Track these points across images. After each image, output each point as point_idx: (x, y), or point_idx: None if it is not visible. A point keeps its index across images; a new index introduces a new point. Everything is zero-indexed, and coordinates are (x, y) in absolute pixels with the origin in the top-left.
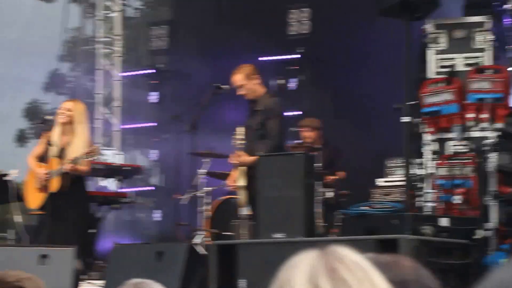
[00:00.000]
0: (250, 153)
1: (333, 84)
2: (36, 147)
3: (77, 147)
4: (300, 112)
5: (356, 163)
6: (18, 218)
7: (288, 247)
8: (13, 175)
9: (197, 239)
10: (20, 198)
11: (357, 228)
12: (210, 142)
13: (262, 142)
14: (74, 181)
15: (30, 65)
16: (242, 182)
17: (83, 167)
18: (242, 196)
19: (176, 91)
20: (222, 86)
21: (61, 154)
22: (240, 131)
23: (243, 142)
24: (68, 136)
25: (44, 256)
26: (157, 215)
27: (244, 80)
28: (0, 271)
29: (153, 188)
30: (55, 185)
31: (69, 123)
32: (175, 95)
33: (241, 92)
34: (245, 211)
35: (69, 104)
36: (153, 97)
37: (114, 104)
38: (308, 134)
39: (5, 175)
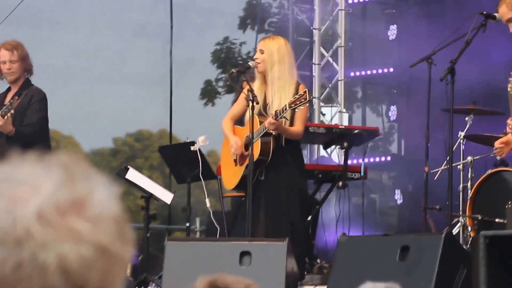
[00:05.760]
0: None
1: None
2: (234, 105)
3: (282, 98)
4: None
5: None
6: (207, 202)
7: None
8: (200, 143)
9: (456, 229)
10: (210, 174)
11: None
12: (474, 94)
13: None
14: (283, 149)
15: None
16: None
17: (295, 127)
18: None
19: (423, 23)
20: (493, 14)
21: (264, 112)
22: None
23: None
24: (271, 86)
25: (245, 254)
26: (397, 196)
27: (510, 13)
28: (214, 277)
29: (390, 158)
30: (256, 152)
31: (265, 69)
32: (421, 29)
33: None
34: None
35: (262, 44)
36: (391, 32)
37: (338, 43)
38: None
39: (191, 144)
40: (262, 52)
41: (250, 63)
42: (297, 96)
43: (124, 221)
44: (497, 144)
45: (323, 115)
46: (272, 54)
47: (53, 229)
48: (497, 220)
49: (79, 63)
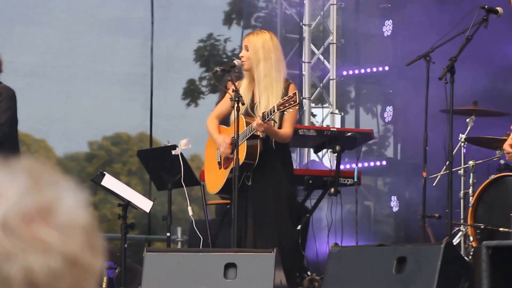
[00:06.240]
0: None
1: None
2: (220, 103)
3: (269, 97)
4: None
5: None
6: (189, 210)
7: None
8: (183, 147)
9: (457, 238)
10: (192, 180)
11: None
12: (475, 93)
13: None
14: (271, 152)
15: None
16: None
17: (283, 129)
18: None
19: (420, 18)
20: (495, 8)
21: (252, 112)
22: None
23: None
24: (258, 85)
25: (230, 265)
26: (393, 203)
27: None
28: None
29: (386, 163)
30: (241, 155)
31: (251, 67)
32: (418, 25)
33: None
34: None
35: (246, 40)
36: (386, 28)
37: (329, 39)
38: None
39: (172, 147)
40: (247, 49)
41: (236, 62)
42: (286, 98)
43: (94, 229)
44: (508, 148)
45: (314, 116)
46: (257, 50)
47: (18, 238)
48: (501, 229)
49: (53, 62)
